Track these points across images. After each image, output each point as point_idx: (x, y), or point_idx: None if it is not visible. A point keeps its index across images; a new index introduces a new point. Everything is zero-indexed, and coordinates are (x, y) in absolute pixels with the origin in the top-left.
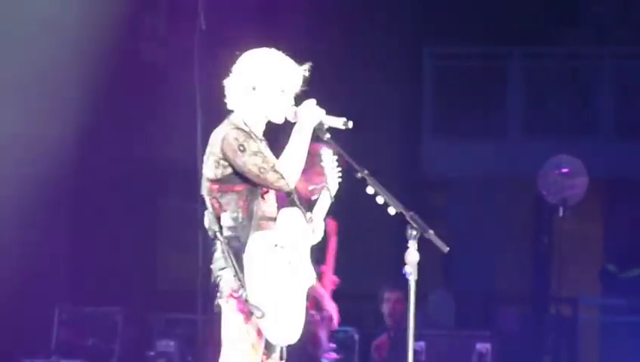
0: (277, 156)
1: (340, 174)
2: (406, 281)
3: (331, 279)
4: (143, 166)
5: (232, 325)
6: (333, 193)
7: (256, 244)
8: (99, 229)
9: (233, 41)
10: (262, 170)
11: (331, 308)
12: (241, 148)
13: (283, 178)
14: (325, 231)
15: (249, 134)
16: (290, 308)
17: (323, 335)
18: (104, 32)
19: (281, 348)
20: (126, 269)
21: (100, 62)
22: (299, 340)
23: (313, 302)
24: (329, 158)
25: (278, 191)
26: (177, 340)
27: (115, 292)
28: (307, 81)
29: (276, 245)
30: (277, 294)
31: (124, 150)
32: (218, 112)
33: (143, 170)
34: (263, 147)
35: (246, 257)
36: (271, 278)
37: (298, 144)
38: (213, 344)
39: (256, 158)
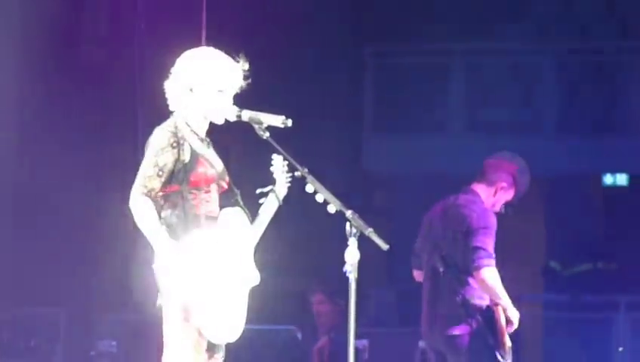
0: (224, 158)
1: (290, 179)
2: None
3: None
4: (82, 164)
5: (172, 325)
6: (282, 197)
7: (190, 243)
8: (40, 229)
9: (174, 42)
10: (143, 175)
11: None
12: (155, 153)
13: (140, 194)
14: None
15: (179, 141)
16: (229, 306)
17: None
18: (44, 34)
19: (215, 346)
20: (68, 269)
21: (40, 64)
22: None
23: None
24: (279, 163)
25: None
26: (120, 340)
27: (56, 293)
28: (246, 79)
29: (212, 244)
30: (213, 293)
31: (64, 150)
32: (159, 113)
33: (81, 168)
34: (204, 148)
35: (180, 255)
36: (207, 277)
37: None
38: (156, 343)
39: (151, 168)
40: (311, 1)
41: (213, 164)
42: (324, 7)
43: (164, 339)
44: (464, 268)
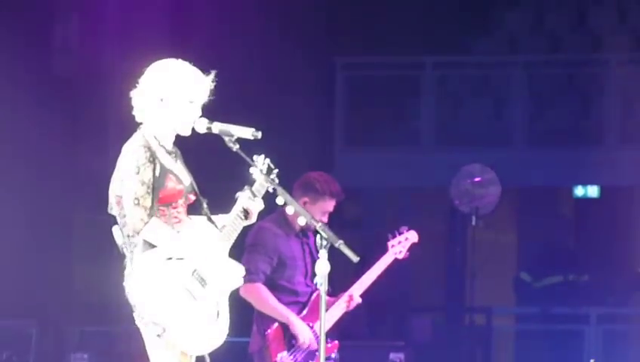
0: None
1: (274, 178)
2: None
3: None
4: (58, 177)
5: (150, 343)
6: (260, 195)
7: (144, 261)
8: (13, 241)
9: (144, 53)
10: (135, 201)
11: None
12: (136, 170)
13: (142, 221)
14: None
15: (153, 155)
16: (200, 316)
17: None
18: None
19: (204, 357)
20: (41, 282)
21: (13, 76)
22: None
23: None
24: (260, 163)
25: (124, 225)
26: (91, 352)
27: (29, 305)
28: (214, 91)
29: (170, 258)
30: (179, 306)
31: (39, 161)
32: (131, 124)
33: (57, 181)
34: (172, 162)
35: (136, 275)
36: (169, 292)
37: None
38: (127, 356)
39: (140, 187)
40: (282, 11)
41: (181, 178)
42: (294, 19)
43: (150, 358)
44: None
